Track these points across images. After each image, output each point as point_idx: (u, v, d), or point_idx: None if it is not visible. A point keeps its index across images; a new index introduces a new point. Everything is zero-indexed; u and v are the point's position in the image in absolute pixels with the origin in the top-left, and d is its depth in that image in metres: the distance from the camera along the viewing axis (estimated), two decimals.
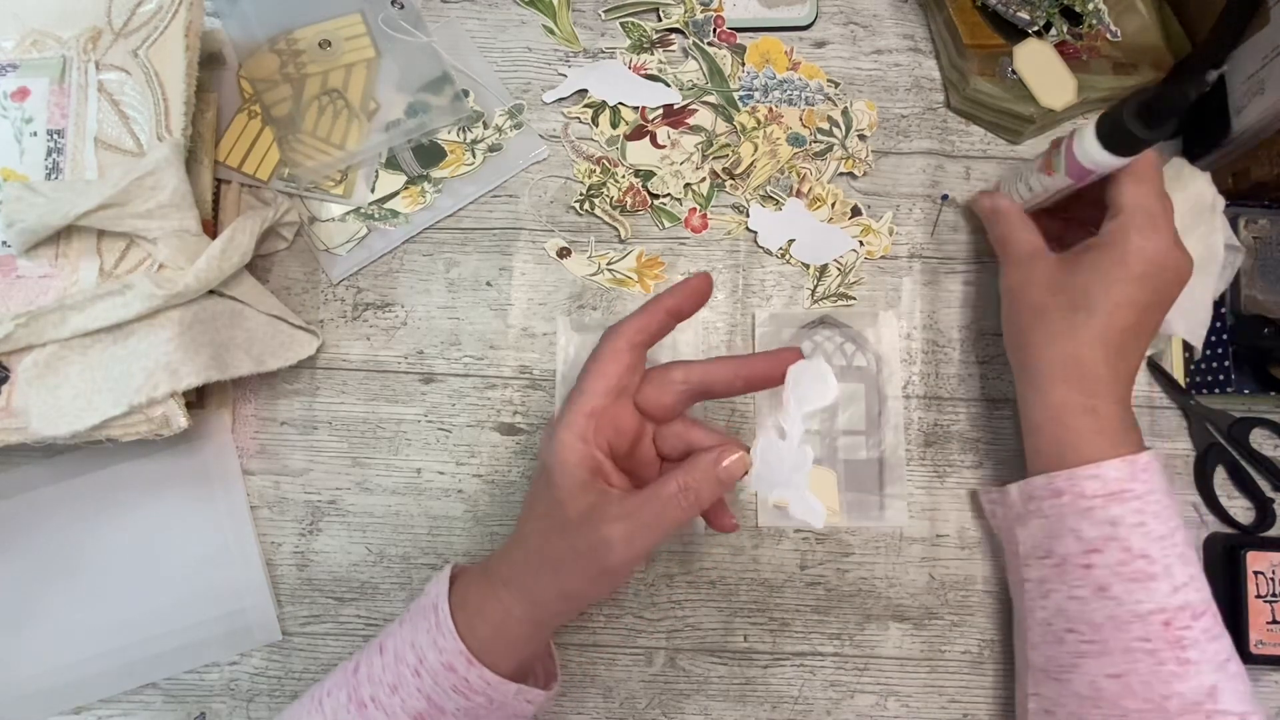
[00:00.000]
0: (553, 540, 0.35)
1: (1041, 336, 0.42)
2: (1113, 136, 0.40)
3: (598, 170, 0.52)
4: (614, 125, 0.53)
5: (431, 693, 0.35)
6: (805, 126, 0.53)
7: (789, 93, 0.53)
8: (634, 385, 0.37)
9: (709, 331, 0.51)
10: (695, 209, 0.52)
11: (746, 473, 0.34)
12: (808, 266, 0.51)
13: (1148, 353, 0.50)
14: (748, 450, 0.34)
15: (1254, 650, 0.46)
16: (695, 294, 0.37)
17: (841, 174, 0.52)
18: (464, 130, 0.52)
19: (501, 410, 0.50)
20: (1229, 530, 0.49)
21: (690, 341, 0.50)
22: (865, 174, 0.52)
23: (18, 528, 0.47)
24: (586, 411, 0.35)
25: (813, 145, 0.52)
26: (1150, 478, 0.38)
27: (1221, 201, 0.48)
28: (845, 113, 0.53)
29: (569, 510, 0.34)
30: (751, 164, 0.52)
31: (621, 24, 0.54)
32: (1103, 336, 0.40)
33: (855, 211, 0.52)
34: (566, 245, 0.51)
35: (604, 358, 0.36)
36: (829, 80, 0.53)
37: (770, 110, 0.53)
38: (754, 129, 0.52)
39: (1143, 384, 0.51)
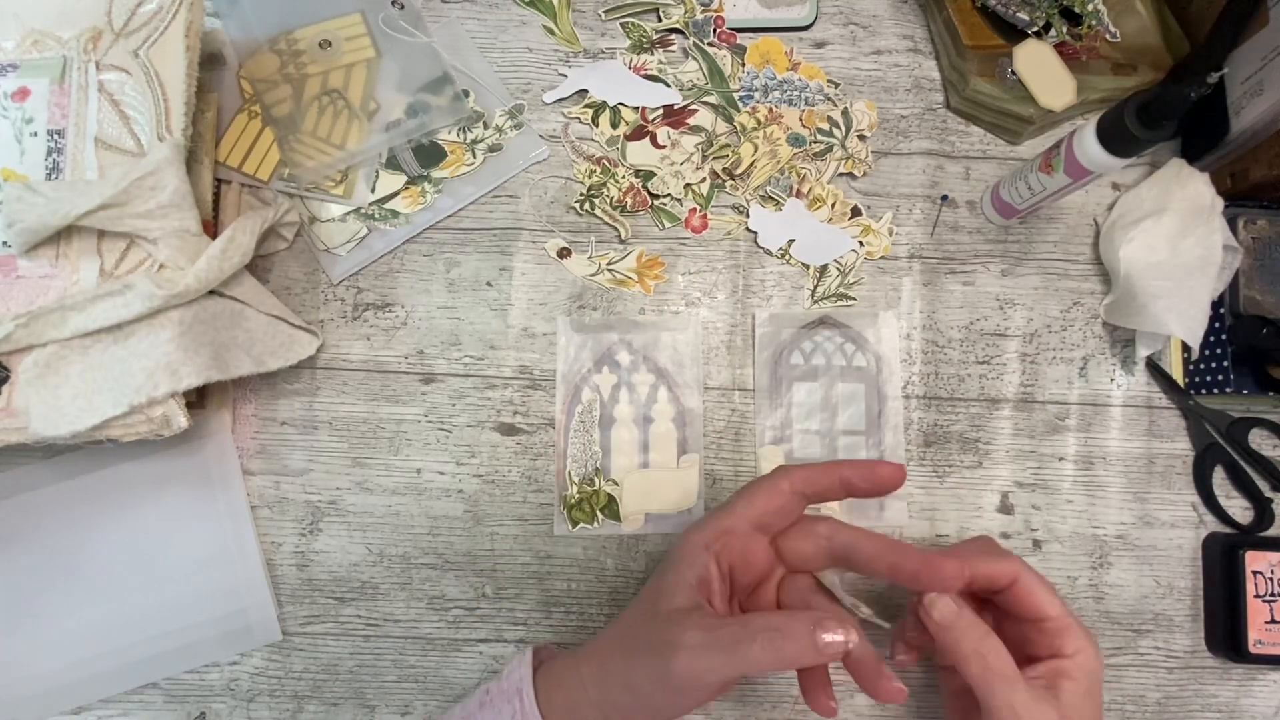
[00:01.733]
0: (639, 625, 0.35)
1: None
2: (1113, 136, 0.40)
3: (598, 170, 0.52)
4: (614, 125, 0.53)
5: None
6: (805, 127, 0.53)
7: (789, 93, 0.53)
8: (778, 527, 0.36)
9: (709, 332, 0.51)
10: (695, 209, 0.52)
11: (847, 653, 0.30)
12: (808, 267, 0.51)
13: (1146, 353, 0.50)
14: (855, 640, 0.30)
15: (1252, 650, 0.46)
16: (874, 479, 0.35)
17: (841, 174, 0.53)
18: (464, 130, 0.52)
19: (501, 410, 0.50)
20: (1228, 530, 0.49)
21: (690, 341, 0.50)
22: (865, 174, 0.53)
23: (18, 528, 0.46)
24: (721, 528, 0.35)
25: (813, 145, 0.52)
26: None
27: (1220, 202, 0.49)
28: (845, 113, 0.53)
29: (662, 603, 0.34)
30: (751, 164, 0.52)
31: (621, 24, 0.54)
32: None
33: (855, 212, 0.52)
34: (567, 245, 0.51)
35: (762, 488, 0.35)
36: (829, 81, 0.53)
37: (770, 110, 0.53)
38: (754, 129, 0.52)
39: (1141, 384, 0.51)
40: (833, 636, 0.30)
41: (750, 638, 0.30)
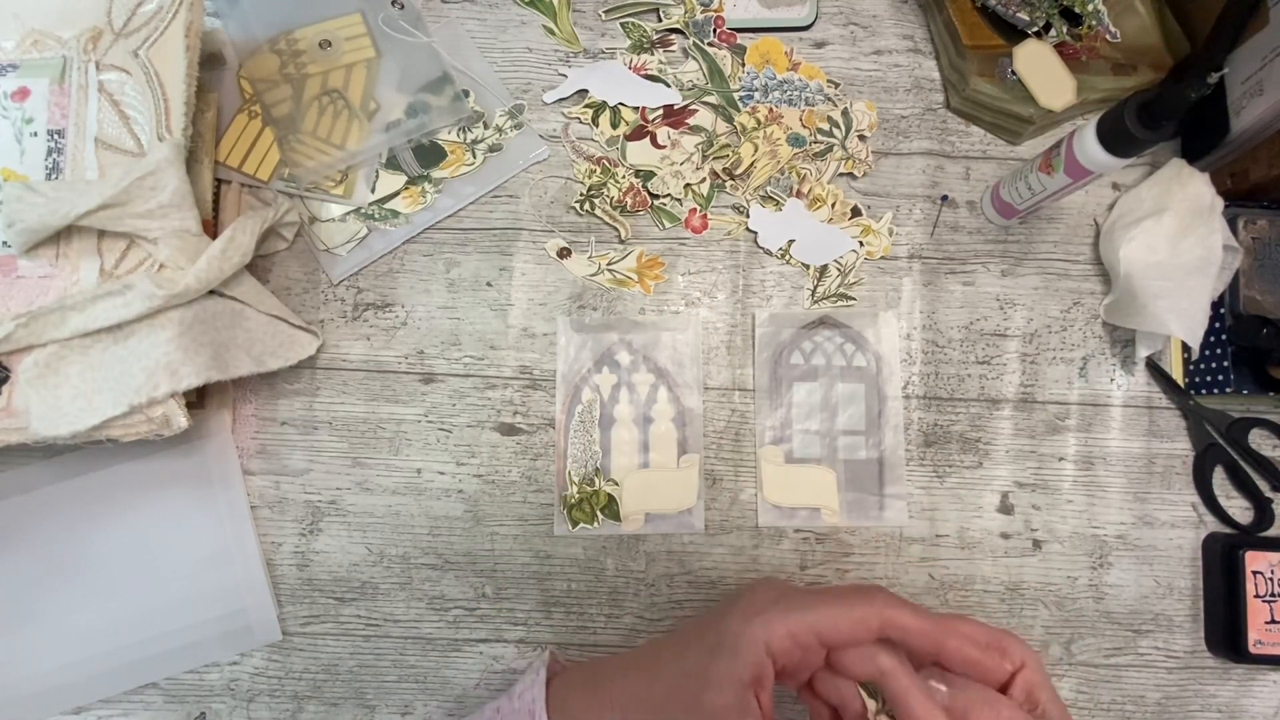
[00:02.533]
0: (676, 704, 0.34)
1: None
2: (1113, 136, 0.40)
3: (598, 170, 0.52)
4: (614, 125, 0.53)
5: None
6: (805, 127, 0.53)
7: (789, 93, 0.53)
8: (843, 646, 0.34)
9: (709, 332, 0.51)
10: (695, 209, 0.52)
11: None
12: (808, 267, 0.51)
13: (1146, 353, 0.50)
14: None
15: (1252, 650, 0.46)
16: (978, 669, 0.32)
17: (841, 174, 0.53)
18: (464, 130, 0.52)
19: (501, 410, 0.50)
20: (1228, 530, 0.49)
21: (690, 341, 0.50)
22: (865, 174, 0.53)
23: (18, 528, 0.46)
24: (794, 634, 0.33)
25: (813, 146, 0.52)
26: None
27: (1220, 202, 0.49)
28: (845, 113, 0.53)
29: (712, 695, 0.32)
30: (751, 164, 0.52)
31: (621, 24, 0.54)
32: None
33: (855, 212, 0.52)
34: (567, 245, 0.51)
35: (852, 613, 0.33)
36: (829, 81, 0.53)
37: (770, 110, 0.53)
38: (754, 129, 0.52)
39: (1141, 384, 0.51)
40: None
41: None
